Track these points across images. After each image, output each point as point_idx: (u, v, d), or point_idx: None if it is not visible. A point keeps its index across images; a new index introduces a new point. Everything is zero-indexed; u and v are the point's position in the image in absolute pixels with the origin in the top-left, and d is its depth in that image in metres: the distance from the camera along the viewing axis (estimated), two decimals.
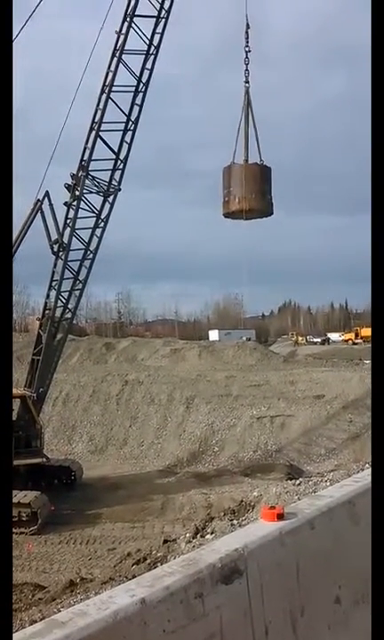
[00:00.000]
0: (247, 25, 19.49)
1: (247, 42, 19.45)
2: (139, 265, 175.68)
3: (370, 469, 4.98)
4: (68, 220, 23.37)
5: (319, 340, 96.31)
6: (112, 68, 22.57)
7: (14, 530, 18.36)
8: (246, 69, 19.47)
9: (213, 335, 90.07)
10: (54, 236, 23.32)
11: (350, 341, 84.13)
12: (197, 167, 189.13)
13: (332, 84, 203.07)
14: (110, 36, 22.53)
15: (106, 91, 22.60)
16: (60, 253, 23.38)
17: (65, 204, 23.42)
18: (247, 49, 19.43)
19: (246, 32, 19.49)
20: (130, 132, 23.33)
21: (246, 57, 19.47)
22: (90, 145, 22.93)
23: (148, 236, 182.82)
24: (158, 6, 22.26)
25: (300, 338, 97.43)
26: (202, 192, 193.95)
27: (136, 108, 23.25)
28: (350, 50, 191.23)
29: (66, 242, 23.28)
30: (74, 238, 23.45)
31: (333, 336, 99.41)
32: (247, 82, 19.42)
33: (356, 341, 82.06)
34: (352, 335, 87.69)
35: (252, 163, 19.13)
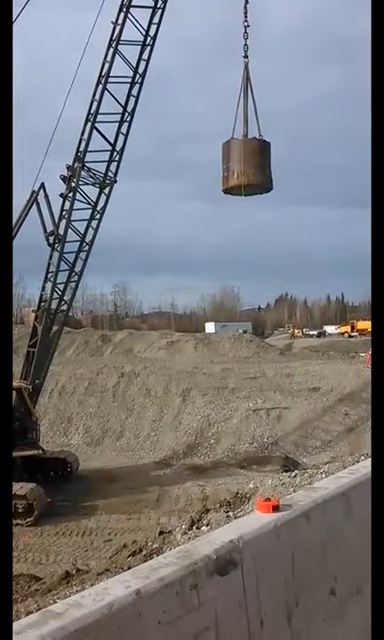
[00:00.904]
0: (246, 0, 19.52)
1: (246, 16, 19.42)
2: (135, 257, 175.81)
3: (365, 461, 4.99)
4: (64, 212, 23.30)
5: (315, 332, 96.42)
6: (108, 59, 22.45)
7: None
8: (245, 44, 19.35)
9: (210, 327, 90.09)
10: (50, 228, 23.25)
11: (346, 334, 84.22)
12: (195, 159, 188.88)
13: (329, 78, 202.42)
14: (107, 26, 22.41)
15: (102, 82, 22.48)
16: (56, 245, 23.32)
17: (61, 195, 23.34)
18: (246, 24, 19.38)
19: (245, 7, 19.48)
20: (126, 124, 23.25)
21: (245, 32, 19.41)
22: (85, 136, 22.83)
23: (144, 229, 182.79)
24: None
25: (296, 330, 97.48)
26: (199, 184, 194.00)
27: (132, 100, 23.17)
28: (346, 43, 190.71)
29: (61, 233, 23.22)
30: (70, 230, 23.40)
31: (330, 329, 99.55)
32: (246, 56, 19.31)
33: (353, 334, 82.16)
34: (348, 328, 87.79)
35: (251, 137, 19.11)
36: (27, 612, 5.85)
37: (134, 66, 22.80)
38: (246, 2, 19.39)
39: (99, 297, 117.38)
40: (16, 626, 2.07)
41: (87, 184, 23.43)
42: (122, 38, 22.35)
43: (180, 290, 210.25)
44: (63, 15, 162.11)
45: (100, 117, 22.79)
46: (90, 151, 23.09)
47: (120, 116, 23.10)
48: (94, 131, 22.82)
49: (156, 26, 22.61)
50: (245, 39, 19.33)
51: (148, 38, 22.68)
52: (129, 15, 22.13)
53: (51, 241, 23.32)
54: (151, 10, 22.35)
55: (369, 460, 4.73)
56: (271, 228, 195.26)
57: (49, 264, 23.76)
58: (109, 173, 23.49)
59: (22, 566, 15.81)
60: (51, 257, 23.63)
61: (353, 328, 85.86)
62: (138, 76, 22.94)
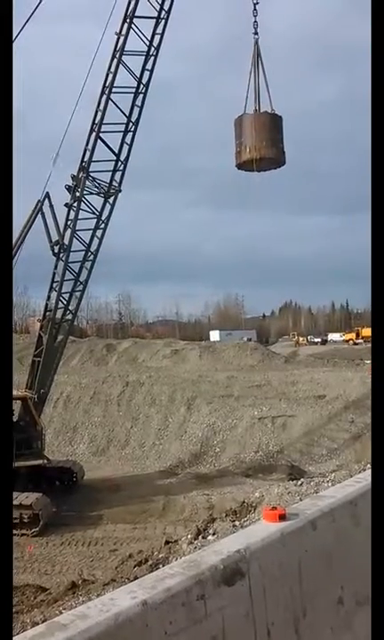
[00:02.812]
0: None
1: None
2: (139, 266, 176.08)
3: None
4: (69, 222, 23.36)
5: (318, 339, 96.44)
6: (112, 70, 22.55)
7: (16, 531, 18.37)
8: (255, 21, 19.99)
9: (214, 336, 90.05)
10: (55, 238, 23.31)
11: (351, 341, 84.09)
12: (198, 167, 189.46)
13: (331, 85, 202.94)
14: (111, 37, 22.57)
15: (106, 92, 22.59)
16: (61, 255, 23.37)
17: (66, 205, 23.41)
18: (255, 0, 19.95)
19: None
20: (130, 134, 23.32)
21: (254, 9, 20.02)
22: (90, 146, 22.92)
23: (148, 237, 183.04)
24: (158, 7, 22.27)
25: (300, 338, 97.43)
26: (203, 192, 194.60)
27: (136, 110, 23.27)
28: (348, 51, 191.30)
29: (66, 243, 23.28)
30: (74, 239, 23.46)
31: (335, 336, 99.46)
32: (256, 33, 19.91)
33: (357, 341, 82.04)
34: (353, 335, 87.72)
35: (263, 112, 19.26)
36: (32, 623, 5.83)
37: (138, 76, 22.94)
38: None
39: (103, 306, 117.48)
40: (21, 638, 2.07)
41: (92, 193, 23.51)
42: (125, 49, 22.48)
43: (185, 298, 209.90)
44: (65, 27, 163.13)
45: (104, 127, 22.89)
46: (94, 161, 23.18)
47: (124, 125, 23.19)
48: (99, 140, 22.92)
49: (159, 36, 22.75)
50: (255, 16, 19.99)
51: (152, 48, 22.82)
52: (132, 26, 22.29)
53: (56, 250, 23.38)
54: (154, 20, 22.50)
55: None
56: (274, 234, 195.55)
57: (54, 273, 23.83)
58: (114, 183, 23.56)
59: (28, 576, 15.73)
60: (56, 266, 23.69)
61: (358, 335, 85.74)
62: (141, 86, 23.06)
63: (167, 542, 7.54)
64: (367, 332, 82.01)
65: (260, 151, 18.91)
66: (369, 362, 42.03)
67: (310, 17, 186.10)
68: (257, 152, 18.86)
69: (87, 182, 23.13)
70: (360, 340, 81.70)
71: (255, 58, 19.52)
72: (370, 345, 66.72)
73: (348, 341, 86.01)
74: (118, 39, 22.39)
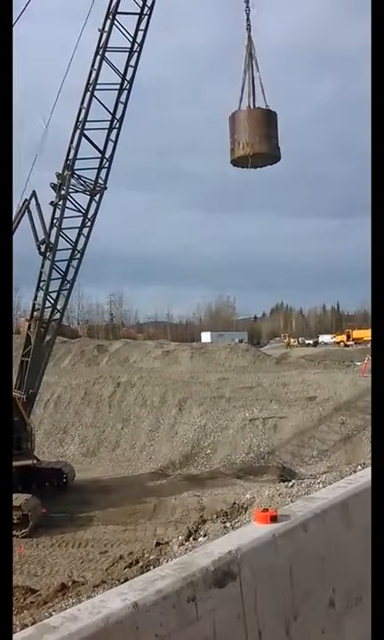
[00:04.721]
0: None
1: None
2: (131, 267, 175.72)
3: (363, 471, 4.96)
4: (55, 220, 23.26)
5: (311, 341, 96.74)
6: (96, 67, 22.50)
7: None
8: (247, 7, 20.21)
9: (206, 337, 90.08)
10: (41, 237, 23.20)
11: (342, 343, 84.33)
12: (191, 169, 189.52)
13: (325, 91, 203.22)
14: (94, 34, 22.50)
15: (90, 89, 22.52)
16: (48, 254, 23.27)
17: (51, 203, 23.31)
18: None
19: None
20: (115, 131, 23.27)
21: (247, 7, 20.23)
22: (74, 144, 22.84)
23: (140, 238, 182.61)
24: (141, 3, 22.23)
25: (291, 340, 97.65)
26: (195, 194, 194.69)
27: (120, 106, 23.23)
28: (342, 58, 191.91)
29: (53, 242, 23.16)
30: (61, 238, 23.35)
31: (325, 338, 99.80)
32: (249, 26, 20.05)
33: (348, 343, 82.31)
34: (344, 337, 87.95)
35: (256, 107, 19.25)
36: (22, 625, 5.79)
37: (122, 73, 22.89)
38: None
39: (95, 307, 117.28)
40: None
41: (77, 191, 23.41)
42: (109, 45, 22.43)
43: (176, 299, 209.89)
44: (58, 24, 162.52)
45: (88, 125, 22.81)
46: (79, 158, 23.09)
47: (109, 123, 23.13)
48: (83, 138, 22.84)
49: (142, 32, 22.72)
50: (247, 13, 20.19)
51: (135, 45, 22.77)
52: (115, 22, 22.22)
53: (42, 249, 23.28)
54: (138, 16, 22.43)
55: (367, 470, 4.71)
56: (266, 237, 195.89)
57: (41, 273, 23.70)
58: (99, 180, 23.47)
59: (18, 578, 15.65)
60: (42, 265, 23.58)
61: (348, 337, 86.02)
62: (126, 82, 23.01)
63: (158, 544, 7.52)
64: (358, 333, 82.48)
65: (254, 147, 18.93)
66: (360, 364, 42.21)
67: (303, 25, 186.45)
68: (250, 148, 18.86)
69: (72, 180, 23.05)
70: (351, 342, 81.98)
71: (248, 52, 19.53)
72: (360, 347, 67.20)
73: (338, 343, 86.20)
74: (101, 35, 22.35)
